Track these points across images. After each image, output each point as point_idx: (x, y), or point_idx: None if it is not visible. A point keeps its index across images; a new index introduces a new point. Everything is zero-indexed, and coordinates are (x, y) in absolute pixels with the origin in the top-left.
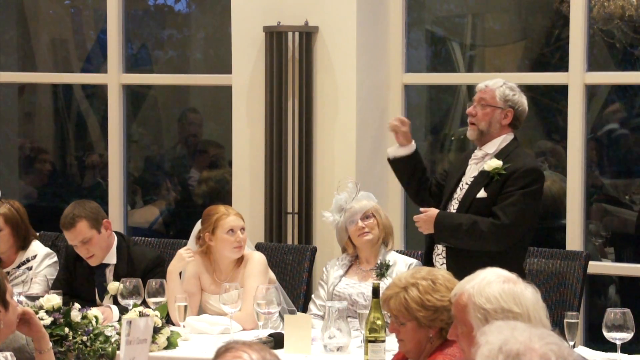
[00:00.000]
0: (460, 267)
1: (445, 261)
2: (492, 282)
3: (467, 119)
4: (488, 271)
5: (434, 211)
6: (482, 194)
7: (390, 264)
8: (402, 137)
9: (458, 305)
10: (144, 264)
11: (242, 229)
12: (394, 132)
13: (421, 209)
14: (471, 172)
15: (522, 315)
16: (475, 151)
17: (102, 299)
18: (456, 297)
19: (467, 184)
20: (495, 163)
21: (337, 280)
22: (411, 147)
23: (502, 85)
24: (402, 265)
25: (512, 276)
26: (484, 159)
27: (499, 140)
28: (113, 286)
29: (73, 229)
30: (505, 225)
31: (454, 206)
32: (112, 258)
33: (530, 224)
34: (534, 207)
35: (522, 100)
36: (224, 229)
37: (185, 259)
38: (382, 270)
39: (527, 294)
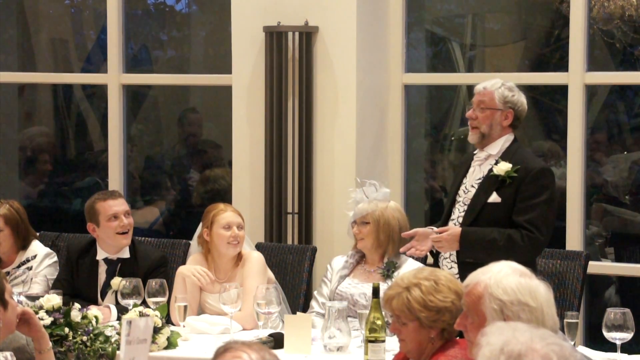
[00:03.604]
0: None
1: (453, 266)
2: (509, 275)
3: (467, 119)
4: (503, 264)
5: (455, 229)
6: (494, 198)
7: (397, 265)
8: (426, 242)
9: (472, 295)
10: (148, 264)
11: (240, 226)
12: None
13: (436, 229)
14: (475, 174)
15: (537, 309)
16: (477, 152)
17: (103, 296)
18: (470, 287)
19: (472, 186)
20: (505, 166)
21: (342, 280)
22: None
23: (500, 87)
24: (409, 268)
25: (527, 271)
26: (487, 160)
27: (501, 141)
28: (116, 281)
29: (121, 198)
30: (541, 241)
31: (459, 210)
32: (125, 253)
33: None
34: (555, 211)
35: (522, 100)
36: (220, 224)
37: (193, 274)
38: (389, 271)
39: (542, 289)
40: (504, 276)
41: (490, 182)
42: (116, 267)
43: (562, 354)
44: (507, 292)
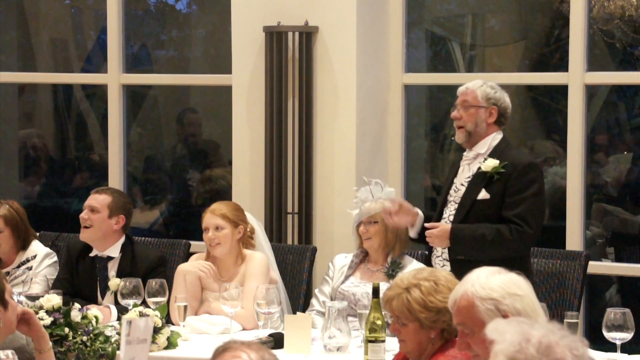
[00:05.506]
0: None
1: (445, 264)
2: (488, 276)
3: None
4: (477, 270)
5: (445, 225)
6: (483, 195)
7: (401, 265)
8: (406, 218)
9: (462, 309)
10: (147, 264)
11: (217, 227)
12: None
13: (427, 225)
14: (464, 173)
15: (526, 297)
16: (466, 152)
17: (103, 294)
18: (457, 303)
19: (462, 184)
20: (492, 163)
21: (345, 279)
22: (419, 219)
23: (482, 85)
24: (413, 268)
25: (501, 269)
26: (476, 159)
27: (489, 139)
28: (114, 282)
29: (97, 195)
30: (530, 234)
31: (450, 209)
32: (114, 252)
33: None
34: (544, 205)
35: (504, 97)
36: (203, 228)
37: (199, 269)
38: (393, 271)
39: (521, 279)
40: (484, 278)
41: (479, 179)
42: (106, 264)
43: (579, 345)
44: (494, 289)
